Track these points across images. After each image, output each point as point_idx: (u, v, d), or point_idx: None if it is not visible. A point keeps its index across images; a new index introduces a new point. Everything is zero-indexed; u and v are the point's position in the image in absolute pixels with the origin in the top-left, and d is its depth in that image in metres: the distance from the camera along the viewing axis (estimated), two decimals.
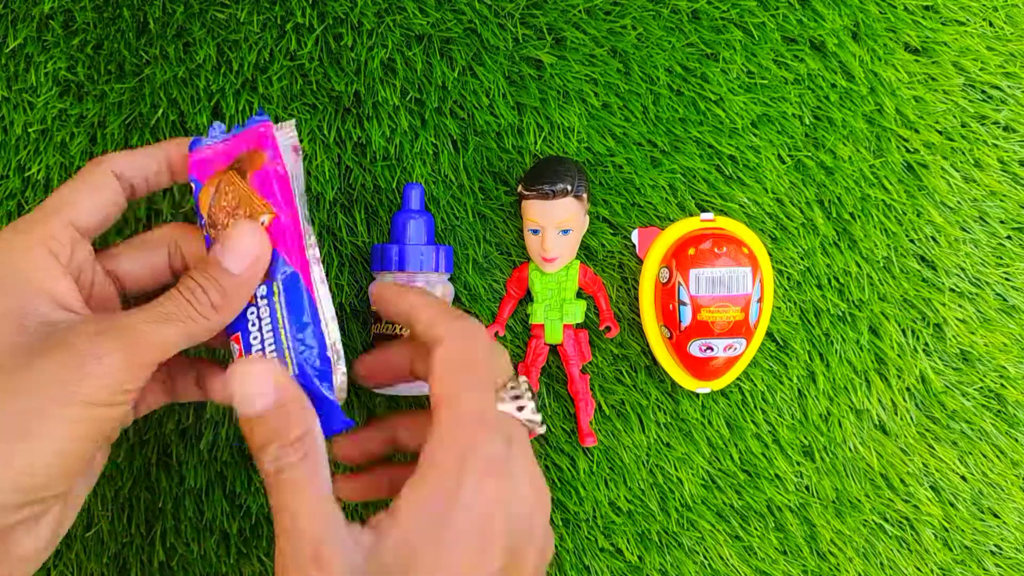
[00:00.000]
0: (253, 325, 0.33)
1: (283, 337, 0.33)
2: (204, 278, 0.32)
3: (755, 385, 0.45)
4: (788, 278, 0.46)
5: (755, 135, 0.45)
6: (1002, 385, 0.46)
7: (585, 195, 0.42)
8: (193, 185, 0.35)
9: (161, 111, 0.44)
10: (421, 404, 0.44)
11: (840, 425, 0.46)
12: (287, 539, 0.29)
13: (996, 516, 0.46)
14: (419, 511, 0.30)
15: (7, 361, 0.29)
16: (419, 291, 0.36)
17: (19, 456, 0.28)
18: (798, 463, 0.46)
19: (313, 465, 0.31)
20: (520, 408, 0.33)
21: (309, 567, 0.28)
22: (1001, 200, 0.47)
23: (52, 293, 0.32)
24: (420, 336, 0.34)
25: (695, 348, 0.42)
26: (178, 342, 0.31)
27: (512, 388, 0.33)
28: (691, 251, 0.42)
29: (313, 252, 0.34)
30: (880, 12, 0.46)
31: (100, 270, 0.35)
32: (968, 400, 0.46)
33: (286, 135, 0.35)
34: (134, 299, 0.36)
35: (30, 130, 0.44)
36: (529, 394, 0.33)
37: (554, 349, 0.44)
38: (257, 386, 0.31)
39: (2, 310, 0.31)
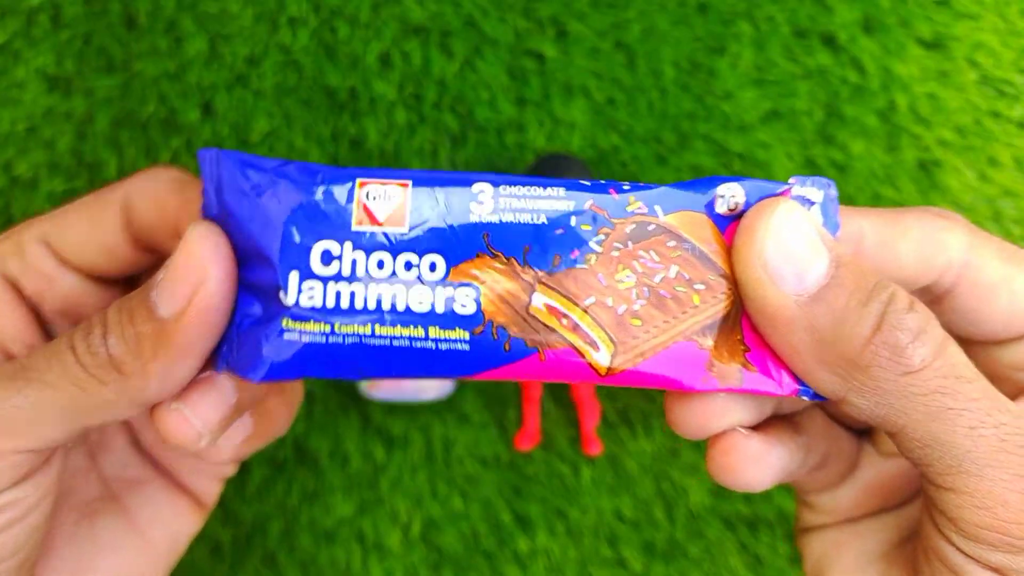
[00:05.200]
0: None
1: None
2: (117, 315, 0.19)
3: None
4: None
5: (764, 131, 0.42)
6: None
7: None
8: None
9: (151, 107, 0.41)
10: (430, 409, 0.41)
11: None
12: (993, 457, 0.17)
13: None
14: None
15: None
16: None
17: None
18: None
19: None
20: None
21: None
22: (1016, 199, 0.43)
23: None
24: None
25: None
26: (43, 419, 0.19)
27: None
28: None
29: None
30: (892, 6, 0.43)
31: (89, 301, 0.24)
32: None
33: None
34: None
35: (16, 127, 0.41)
36: None
37: None
38: (803, 239, 0.18)
39: None
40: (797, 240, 0.18)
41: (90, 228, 0.22)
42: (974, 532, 0.17)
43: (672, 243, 0.18)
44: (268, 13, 0.41)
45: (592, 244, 0.18)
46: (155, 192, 0.22)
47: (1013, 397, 0.19)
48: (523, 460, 0.42)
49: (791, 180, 0.19)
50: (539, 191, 0.18)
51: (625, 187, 0.19)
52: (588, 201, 0.18)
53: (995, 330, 0.21)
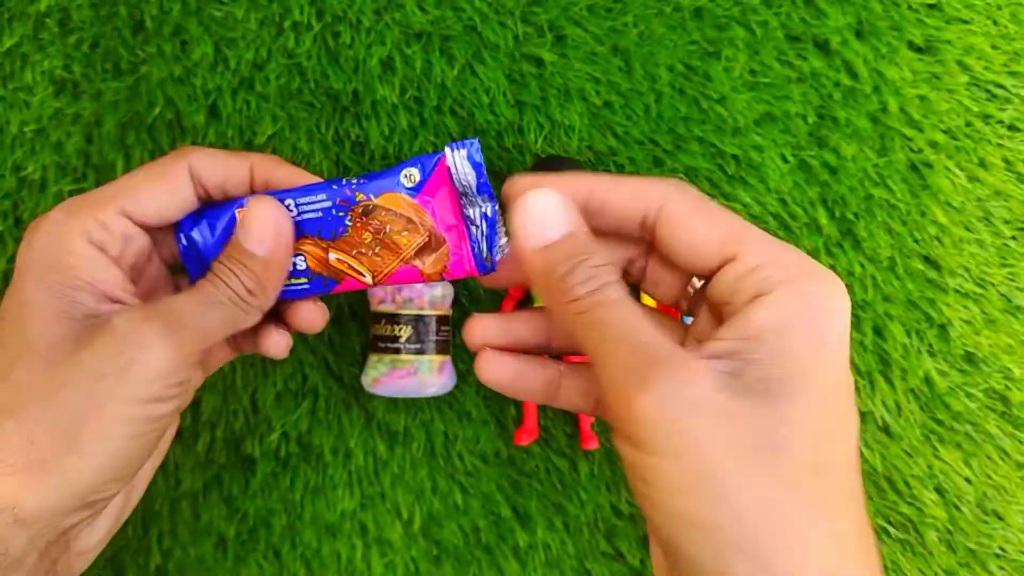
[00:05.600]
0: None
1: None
2: (234, 263, 0.30)
3: None
4: None
5: (758, 134, 0.43)
6: (1007, 387, 0.43)
7: None
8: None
9: (158, 109, 0.42)
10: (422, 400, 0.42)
11: None
12: (629, 351, 0.24)
13: (1000, 518, 0.43)
14: (797, 322, 0.24)
15: (51, 353, 0.27)
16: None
17: (68, 465, 0.26)
18: None
19: (628, 292, 0.26)
20: None
21: (669, 367, 0.23)
22: (1005, 200, 0.44)
23: (96, 284, 0.28)
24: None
25: None
26: (222, 328, 0.29)
27: None
28: None
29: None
30: (884, 10, 0.44)
31: (158, 261, 0.33)
32: (972, 401, 0.43)
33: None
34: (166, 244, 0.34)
35: (26, 129, 0.42)
36: None
37: None
38: (551, 213, 0.26)
39: (44, 299, 0.28)
40: (540, 214, 0.27)
41: (166, 193, 0.31)
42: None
43: (384, 213, 0.30)
44: (272, 18, 0.42)
45: (346, 222, 0.31)
46: (215, 161, 0.31)
47: (754, 296, 0.25)
48: (522, 456, 0.42)
49: (446, 148, 0.29)
50: (314, 198, 0.31)
51: (354, 184, 0.30)
52: (336, 198, 0.31)
53: (689, 260, 0.27)
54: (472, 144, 0.29)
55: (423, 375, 0.39)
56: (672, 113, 0.43)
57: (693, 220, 0.26)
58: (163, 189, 0.30)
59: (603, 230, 0.28)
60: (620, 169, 0.42)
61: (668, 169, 0.42)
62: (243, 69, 0.42)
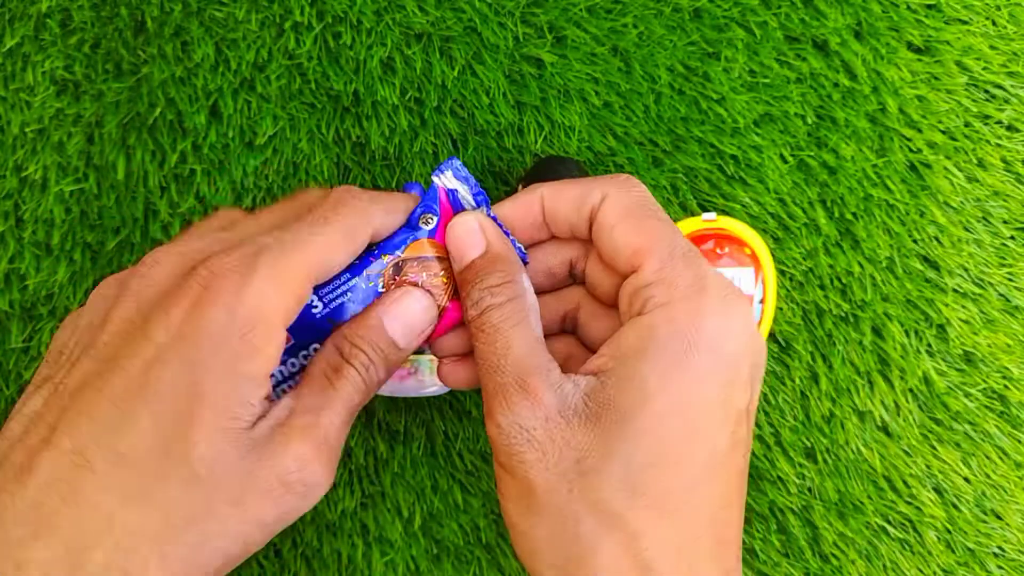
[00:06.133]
0: None
1: None
2: (375, 352, 0.28)
3: None
4: (791, 279, 0.43)
5: (757, 134, 0.43)
6: (1005, 386, 0.44)
7: None
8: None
9: (159, 110, 0.42)
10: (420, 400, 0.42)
11: (843, 427, 0.43)
12: (491, 375, 0.27)
13: (999, 518, 0.44)
14: (653, 347, 0.25)
15: (210, 467, 0.24)
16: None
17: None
18: (800, 465, 0.43)
19: (519, 310, 0.28)
20: None
21: (514, 396, 0.26)
22: (1004, 200, 0.44)
23: (268, 380, 0.26)
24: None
25: None
26: (344, 418, 0.28)
27: None
28: None
29: None
30: (883, 11, 0.44)
31: None
32: (971, 401, 0.44)
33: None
34: None
35: (27, 130, 0.42)
36: None
37: None
38: (469, 238, 0.29)
39: (221, 389, 0.24)
40: (459, 238, 0.29)
41: (347, 261, 0.29)
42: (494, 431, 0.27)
43: (414, 262, 0.30)
44: (273, 19, 0.42)
45: (379, 289, 0.30)
46: (388, 219, 0.30)
47: (637, 314, 0.27)
48: None
49: (433, 178, 0.31)
50: (342, 280, 0.29)
51: (375, 251, 0.30)
52: (364, 271, 0.30)
53: (611, 264, 0.29)
54: (452, 163, 0.31)
55: (423, 375, 0.39)
56: (671, 114, 0.43)
57: (618, 225, 0.28)
58: (347, 258, 0.29)
59: (559, 235, 0.31)
60: (620, 169, 0.43)
61: (667, 169, 0.43)
62: (244, 70, 0.42)
